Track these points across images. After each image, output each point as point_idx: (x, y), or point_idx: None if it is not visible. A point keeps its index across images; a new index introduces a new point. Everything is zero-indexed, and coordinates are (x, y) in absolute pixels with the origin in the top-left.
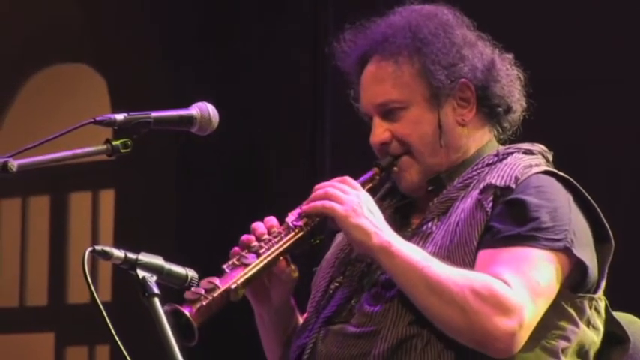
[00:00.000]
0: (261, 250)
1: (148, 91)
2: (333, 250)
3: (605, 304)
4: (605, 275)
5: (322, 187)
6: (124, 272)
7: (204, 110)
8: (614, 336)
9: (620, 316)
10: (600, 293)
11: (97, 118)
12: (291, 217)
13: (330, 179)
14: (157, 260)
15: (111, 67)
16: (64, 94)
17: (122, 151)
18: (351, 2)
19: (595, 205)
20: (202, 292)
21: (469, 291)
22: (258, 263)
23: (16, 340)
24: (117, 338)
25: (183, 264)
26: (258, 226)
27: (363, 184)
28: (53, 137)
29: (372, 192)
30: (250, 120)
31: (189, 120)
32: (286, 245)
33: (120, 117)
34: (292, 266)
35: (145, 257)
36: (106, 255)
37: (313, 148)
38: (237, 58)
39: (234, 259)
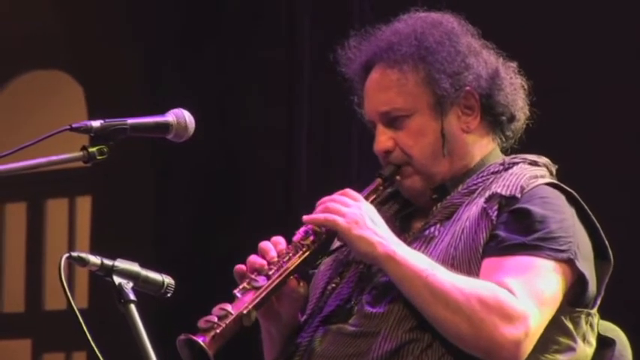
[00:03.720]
0: (270, 272)
1: (124, 98)
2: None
3: (597, 320)
4: (602, 292)
5: (323, 202)
6: (101, 279)
7: (181, 117)
8: (601, 340)
9: (599, 323)
10: (595, 309)
11: (74, 125)
12: (298, 236)
13: (308, 181)
14: (134, 267)
15: (88, 73)
16: (40, 101)
17: (98, 157)
18: (326, 7)
19: (596, 222)
20: (215, 319)
21: (475, 300)
22: (269, 286)
23: None
24: (93, 345)
25: (160, 270)
26: (268, 248)
27: (367, 196)
28: (29, 144)
29: (377, 204)
30: (227, 125)
31: (166, 127)
32: (295, 265)
33: (96, 124)
34: (302, 283)
35: (121, 264)
36: (83, 261)
37: (290, 151)
38: (214, 64)
39: (244, 284)
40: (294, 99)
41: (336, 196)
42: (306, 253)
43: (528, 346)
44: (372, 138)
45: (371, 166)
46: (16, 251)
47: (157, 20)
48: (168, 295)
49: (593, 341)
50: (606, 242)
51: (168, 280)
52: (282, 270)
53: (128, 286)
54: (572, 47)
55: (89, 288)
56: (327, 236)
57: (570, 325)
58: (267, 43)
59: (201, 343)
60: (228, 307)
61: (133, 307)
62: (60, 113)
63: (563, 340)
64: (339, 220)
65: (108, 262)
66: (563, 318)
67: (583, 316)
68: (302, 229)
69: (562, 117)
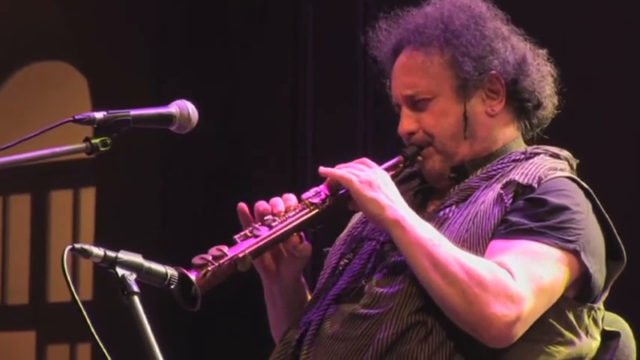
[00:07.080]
0: (274, 224)
1: (129, 90)
2: (347, 230)
3: (603, 315)
4: (609, 289)
5: (340, 167)
6: (105, 270)
7: (184, 108)
8: (606, 333)
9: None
10: (600, 304)
11: (77, 116)
12: (307, 194)
13: (313, 175)
14: (137, 258)
15: (92, 65)
16: (44, 93)
17: (101, 149)
18: (330, 7)
19: (610, 221)
20: (210, 258)
21: (472, 275)
22: (269, 236)
23: None
24: (97, 337)
25: (165, 262)
26: (277, 203)
27: (387, 170)
28: (32, 135)
29: (393, 179)
30: (233, 118)
31: (169, 118)
32: (300, 221)
33: (99, 115)
34: (305, 243)
35: (124, 255)
36: (86, 253)
37: (295, 146)
38: (219, 58)
39: (246, 231)
40: (299, 95)
41: (352, 163)
42: (313, 212)
43: (519, 329)
44: (378, 136)
45: (378, 163)
46: (20, 243)
47: (162, 11)
48: (172, 286)
49: (597, 336)
50: (619, 242)
51: (171, 271)
52: (285, 223)
53: (131, 277)
54: (583, 43)
55: (93, 280)
56: (337, 200)
57: (573, 320)
58: (273, 36)
59: (191, 278)
60: (225, 248)
61: (136, 298)
62: (64, 105)
63: (567, 333)
64: (354, 179)
65: (111, 253)
66: (567, 312)
67: (586, 311)
68: (313, 189)
69: (583, 110)
